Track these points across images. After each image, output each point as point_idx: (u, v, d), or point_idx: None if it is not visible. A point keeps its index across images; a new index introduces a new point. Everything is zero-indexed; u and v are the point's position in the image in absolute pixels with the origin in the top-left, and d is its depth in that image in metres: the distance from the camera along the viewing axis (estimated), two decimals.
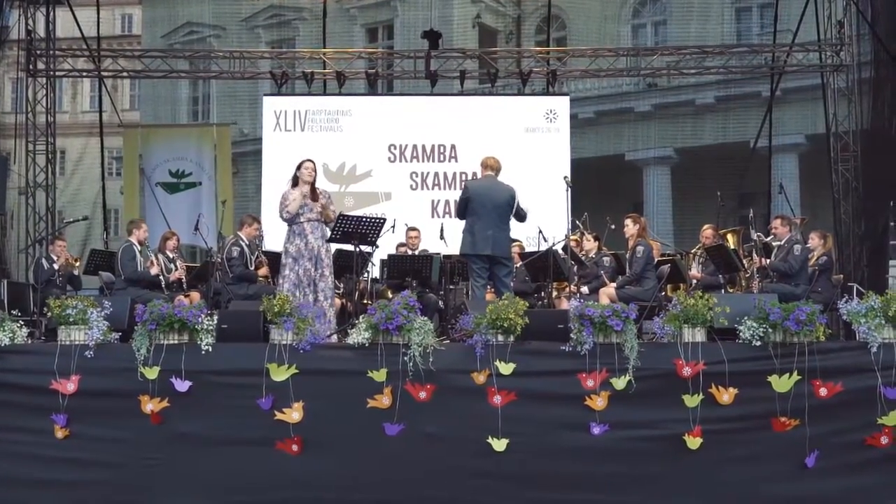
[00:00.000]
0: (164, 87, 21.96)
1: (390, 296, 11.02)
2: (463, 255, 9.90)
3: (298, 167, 9.70)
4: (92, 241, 18.54)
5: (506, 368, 8.01)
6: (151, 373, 8.06)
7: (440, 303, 11.77)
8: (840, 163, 15.50)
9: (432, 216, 15.64)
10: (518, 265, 11.85)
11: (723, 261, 11.23)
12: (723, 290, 11.26)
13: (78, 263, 12.81)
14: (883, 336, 8.12)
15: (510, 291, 9.30)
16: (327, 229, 9.70)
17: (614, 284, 10.83)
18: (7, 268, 15.56)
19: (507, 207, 9.85)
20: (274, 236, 12.77)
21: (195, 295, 11.23)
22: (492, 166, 10.00)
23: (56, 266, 12.11)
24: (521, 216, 10.03)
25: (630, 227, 10.83)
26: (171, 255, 11.72)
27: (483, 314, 8.14)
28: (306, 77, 16.23)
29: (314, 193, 9.61)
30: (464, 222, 9.87)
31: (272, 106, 16.26)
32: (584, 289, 11.32)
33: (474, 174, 13.33)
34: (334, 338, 9.15)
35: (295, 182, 9.67)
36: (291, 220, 9.56)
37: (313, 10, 20.50)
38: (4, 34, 16.43)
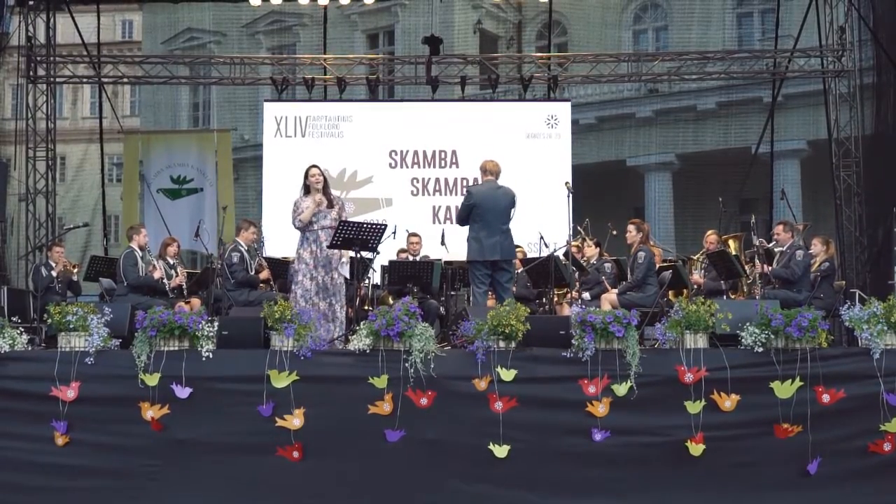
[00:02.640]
0: (165, 94, 21.96)
1: (391, 302, 11.00)
2: (470, 262, 9.83)
3: (305, 175, 9.71)
4: (92, 248, 18.55)
5: (507, 375, 8.00)
6: (152, 379, 8.05)
7: (441, 309, 11.76)
8: (842, 168, 15.46)
9: (433, 222, 15.62)
10: (519, 271, 11.83)
11: (724, 267, 11.22)
12: (725, 296, 11.24)
13: (76, 269, 12.78)
14: (885, 342, 8.12)
15: (511, 297, 9.28)
16: None
17: (616, 290, 10.81)
18: (7, 274, 15.54)
19: (510, 211, 9.84)
20: (276, 242, 12.78)
21: (196, 301, 11.22)
22: (492, 170, 9.97)
23: (54, 273, 12.08)
24: None
25: (633, 234, 10.80)
26: (171, 262, 11.70)
27: (484, 320, 8.12)
28: (307, 83, 16.21)
29: (329, 199, 9.66)
30: (466, 228, 9.84)
31: (273, 112, 16.25)
32: (586, 295, 11.30)
33: (475, 180, 13.33)
34: (336, 344, 9.14)
35: (307, 190, 9.68)
36: (305, 228, 9.54)
37: (314, 16, 20.49)
38: (5, 40, 16.41)
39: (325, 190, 9.73)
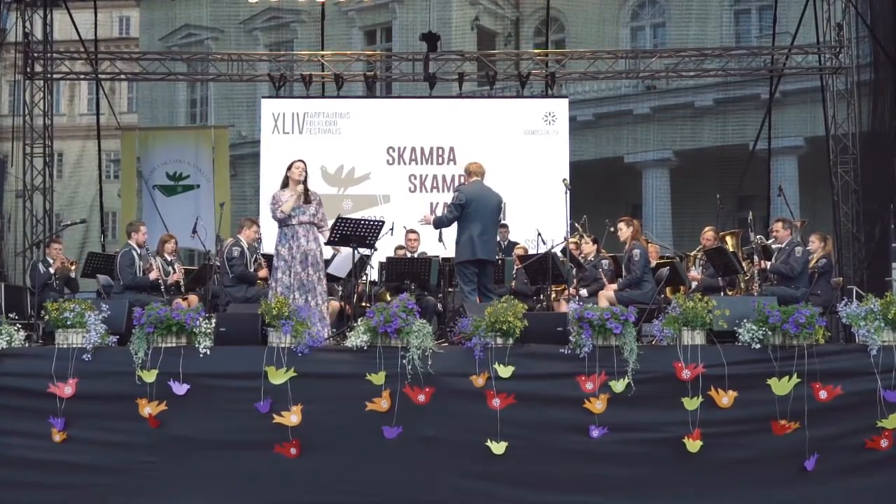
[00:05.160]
0: (162, 90, 21.93)
1: (389, 299, 11.00)
2: (462, 261, 9.79)
3: (289, 168, 9.58)
4: (90, 244, 18.52)
5: (505, 371, 8.01)
6: (149, 376, 8.04)
7: (439, 305, 11.75)
8: (839, 165, 15.49)
9: None
10: (518, 267, 11.84)
11: (722, 263, 11.22)
12: (722, 293, 11.25)
13: (74, 266, 12.78)
14: (882, 339, 8.13)
15: (496, 296, 9.32)
16: (319, 234, 9.62)
17: (614, 286, 10.80)
18: (4, 271, 15.54)
19: (498, 212, 9.90)
20: (272, 239, 12.74)
21: (193, 298, 11.22)
22: (476, 171, 9.98)
23: (52, 269, 12.08)
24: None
25: (624, 231, 10.82)
26: (169, 258, 11.70)
27: (482, 317, 8.12)
28: (305, 79, 16.21)
29: (307, 196, 9.54)
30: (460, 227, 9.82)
31: (270, 108, 16.25)
32: (583, 291, 11.31)
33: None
34: (330, 341, 9.13)
35: (286, 183, 9.58)
36: (283, 222, 9.44)
37: (311, 13, 20.47)
38: (2, 37, 16.41)
39: (304, 185, 9.59)
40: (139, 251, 11.12)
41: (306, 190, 9.53)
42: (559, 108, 16.18)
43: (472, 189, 9.88)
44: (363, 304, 11.17)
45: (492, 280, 10.03)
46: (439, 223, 10.12)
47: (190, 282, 11.98)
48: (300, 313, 8.30)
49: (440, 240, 12.24)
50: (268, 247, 12.28)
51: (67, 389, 8.06)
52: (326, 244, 9.52)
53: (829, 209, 16.08)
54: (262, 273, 11.27)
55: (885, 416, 8.03)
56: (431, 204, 15.75)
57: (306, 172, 9.60)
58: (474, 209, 9.71)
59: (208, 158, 17.46)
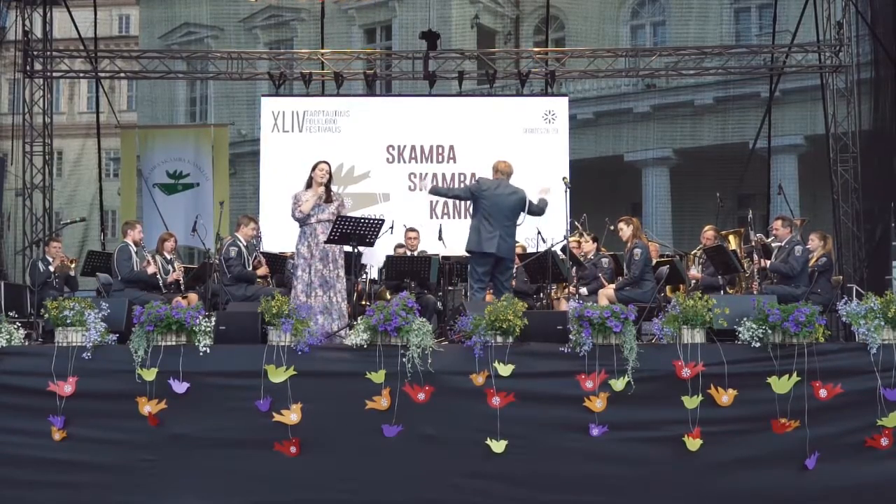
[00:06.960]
0: (162, 88, 21.93)
1: (388, 297, 11.00)
2: (469, 251, 9.86)
3: (313, 168, 9.75)
4: (89, 243, 18.51)
5: (504, 370, 8.01)
6: (149, 374, 8.04)
7: (439, 304, 11.76)
8: (839, 164, 15.47)
9: (431, 217, 15.59)
10: (517, 266, 11.84)
11: (722, 262, 11.22)
12: (722, 292, 11.25)
13: (74, 265, 12.78)
14: (882, 337, 8.12)
15: (510, 292, 9.31)
16: None
17: (613, 286, 10.81)
18: (4, 269, 15.53)
19: (517, 212, 9.87)
20: (273, 237, 12.77)
21: (193, 296, 11.22)
22: (503, 170, 10.02)
23: (52, 268, 12.09)
24: (537, 211, 10.02)
25: (625, 230, 10.83)
26: (168, 257, 11.70)
27: (482, 315, 8.12)
28: (304, 78, 16.19)
29: (328, 195, 9.68)
30: (464, 224, 9.86)
31: (270, 107, 16.22)
32: (583, 290, 11.31)
33: (472, 175, 13.32)
34: (337, 338, 9.13)
35: (309, 184, 9.71)
36: (303, 221, 9.56)
37: (311, 11, 20.47)
38: (1, 35, 16.38)
39: (327, 186, 9.77)
40: (135, 248, 11.13)
41: (328, 190, 9.69)
42: (559, 106, 16.17)
43: (489, 184, 9.92)
44: (363, 302, 11.17)
45: (507, 277, 10.05)
46: (435, 191, 10.42)
47: (190, 280, 11.98)
48: (300, 312, 8.30)
49: (440, 238, 12.26)
50: (269, 245, 12.34)
51: (67, 388, 8.06)
52: (326, 243, 9.53)
53: (829, 208, 16.08)
54: (261, 271, 11.29)
55: (885, 415, 8.03)
56: (431, 202, 15.77)
57: (330, 174, 9.78)
58: (489, 205, 9.76)
59: (208, 157, 17.45)
